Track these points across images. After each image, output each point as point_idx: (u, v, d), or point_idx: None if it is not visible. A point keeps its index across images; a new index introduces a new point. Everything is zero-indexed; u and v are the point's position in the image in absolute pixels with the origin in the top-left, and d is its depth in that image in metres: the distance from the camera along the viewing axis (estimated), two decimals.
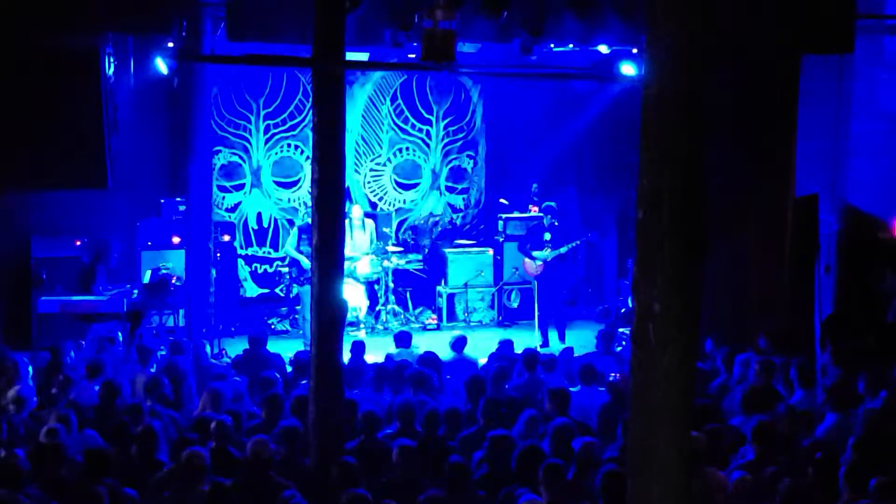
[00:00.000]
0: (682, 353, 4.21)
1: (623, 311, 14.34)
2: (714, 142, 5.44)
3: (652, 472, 4.15)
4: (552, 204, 14.76)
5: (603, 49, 12.99)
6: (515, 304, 15.72)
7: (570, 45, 12.83)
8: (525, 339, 13.51)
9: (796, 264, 12.01)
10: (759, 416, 7.96)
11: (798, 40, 10.05)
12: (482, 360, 11.19)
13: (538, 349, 11.74)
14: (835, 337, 11.73)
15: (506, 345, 11.37)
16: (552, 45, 12.89)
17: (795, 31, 10.64)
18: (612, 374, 9.79)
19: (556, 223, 14.35)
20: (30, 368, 9.56)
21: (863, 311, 12.16)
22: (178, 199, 13.88)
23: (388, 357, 10.80)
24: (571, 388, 9.06)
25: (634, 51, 12.59)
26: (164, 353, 11.08)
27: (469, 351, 11.26)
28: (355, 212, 14.87)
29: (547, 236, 14.26)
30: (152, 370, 10.16)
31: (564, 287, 14.81)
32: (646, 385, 4.23)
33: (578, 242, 14.39)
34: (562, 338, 13.99)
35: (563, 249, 14.19)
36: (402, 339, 11.49)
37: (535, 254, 14.22)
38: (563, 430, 7.69)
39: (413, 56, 11.79)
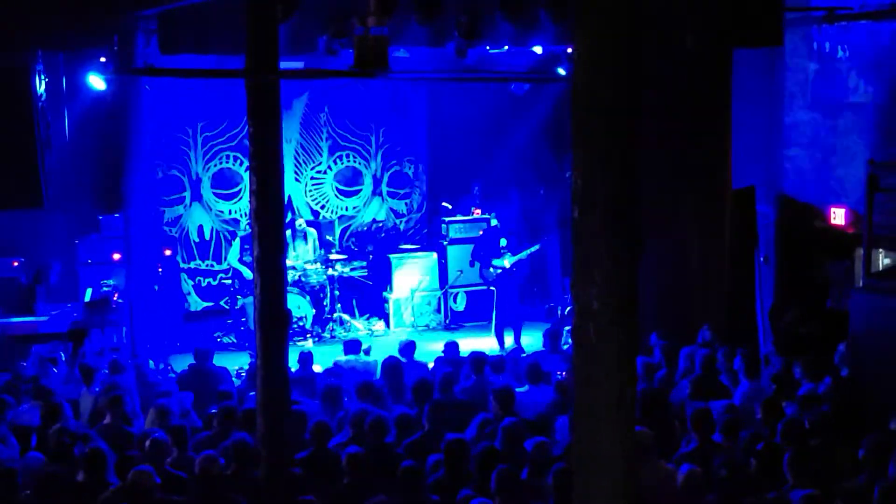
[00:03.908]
0: (621, 350, 4.25)
1: (568, 309, 14.40)
2: (649, 138, 5.51)
3: (596, 468, 4.19)
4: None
5: (537, 50, 13.06)
6: (461, 307, 15.75)
7: (505, 47, 12.89)
8: (474, 341, 13.54)
9: (736, 256, 12.17)
10: (696, 404, 8.07)
11: (727, 35, 10.17)
12: (430, 364, 11.18)
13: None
14: (776, 326, 11.92)
15: (451, 347, 11.35)
16: (487, 48, 12.94)
17: (724, 26, 10.76)
18: (559, 373, 9.84)
19: (499, 225, 14.37)
20: None
21: (803, 299, 12.34)
22: (116, 214, 13.72)
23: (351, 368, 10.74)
24: (519, 389, 9.07)
25: (570, 51, 12.66)
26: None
27: (417, 355, 11.24)
28: (300, 223, 14.86)
29: (503, 242, 14.25)
30: (96, 389, 10.02)
31: (521, 290, 14.80)
32: (587, 382, 4.27)
33: (539, 247, 14.40)
34: (517, 340, 13.98)
35: (523, 254, 14.20)
36: (351, 347, 11.43)
37: (494, 262, 14.16)
38: (514, 429, 7.69)
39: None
